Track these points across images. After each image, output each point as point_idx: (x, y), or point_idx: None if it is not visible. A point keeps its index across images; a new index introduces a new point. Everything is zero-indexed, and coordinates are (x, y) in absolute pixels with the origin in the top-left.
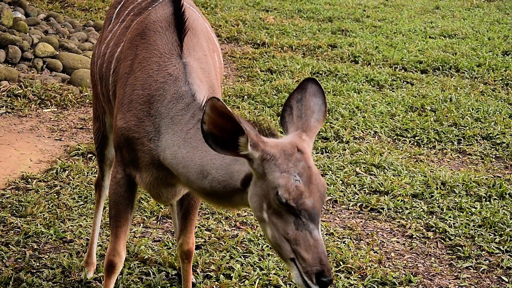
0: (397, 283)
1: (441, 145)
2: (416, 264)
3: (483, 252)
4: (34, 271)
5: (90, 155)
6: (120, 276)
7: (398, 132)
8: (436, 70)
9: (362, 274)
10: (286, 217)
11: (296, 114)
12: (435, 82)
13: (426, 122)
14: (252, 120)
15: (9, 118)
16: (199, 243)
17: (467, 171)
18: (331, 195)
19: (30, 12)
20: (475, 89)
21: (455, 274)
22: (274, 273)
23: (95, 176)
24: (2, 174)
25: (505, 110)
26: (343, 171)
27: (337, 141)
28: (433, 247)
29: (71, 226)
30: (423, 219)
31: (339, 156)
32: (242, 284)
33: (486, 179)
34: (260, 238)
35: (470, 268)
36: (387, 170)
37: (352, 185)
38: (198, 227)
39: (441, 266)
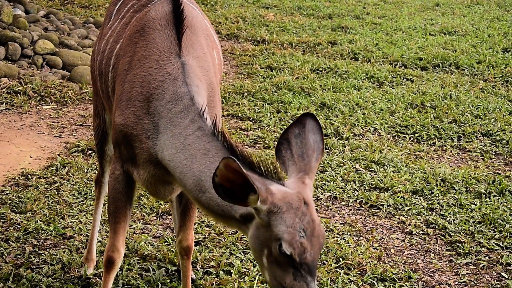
0: (396, 279)
1: (441, 142)
2: (416, 261)
3: (483, 249)
4: (34, 267)
5: (90, 151)
6: (120, 272)
7: (398, 129)
8: (436, 67)
9: (361, 270)
10: (285, 267)
11: (296, 152)
12: (435, 79)
13: (426, 119)
14: (259, 161)
15: (9, 114)
16: (199, 239)
17: (467, 168)
18: (331, 191)
19: (30, 9)
20: (475, 86)
21: (455, 270)
22: None
23: (95, 173)
24: (2, 171)
25: (505, 107)
26: (343, 167)
27: (337, 138)
28: (433, 243)
29: (71, 222)
30: (423, 215)
31: (339, 153)
32: (242, 280)
33: (486, 175)
34: None
35: (470, 264)
36: (387, 167)
37: (352, 182)
38: (198, 223)
39: (440, 262)
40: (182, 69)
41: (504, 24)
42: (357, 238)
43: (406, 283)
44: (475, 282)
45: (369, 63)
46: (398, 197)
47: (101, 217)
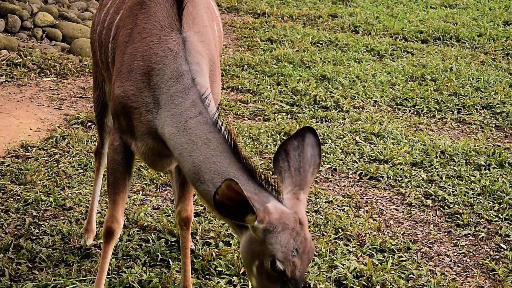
0: (395, 250)
1: (441, 114)
2: (415, 232)
3: (482, 220)
4: (34, 237)
5: (90, 123)
6: (120, 242)
7: (398, 102)
8: (437, 40)
9: (361, 241)
10: (274, 280)
11: (294, 166)
12: (436, 52)
13: (426, 92)
14: (260, 174)
15: (8, 87)
16: (198, 210)
17: (466, 140)
18: (331, 163)
19: None
20: (476, 59)
21: (454, 241)
22: None
23: (94, 145)
24: (2, 142)
25: (505, 80)
26: (342, 139)
27: (337, 110)
28: (432, 215)
29: (70, 193)
30: (422, 187)
31: (339, 125)
32: None
33: (486, 148)
34: None
35: (469, 235)
36: (387, 139)
37: (352, 154)
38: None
39: (440, 233)
40: (183, 45)
41: None
42: (356, 209)
43: (405, 254)
44: (474, 253)
45: (369, 36)
46: (397, 169)
47: (101, 188)
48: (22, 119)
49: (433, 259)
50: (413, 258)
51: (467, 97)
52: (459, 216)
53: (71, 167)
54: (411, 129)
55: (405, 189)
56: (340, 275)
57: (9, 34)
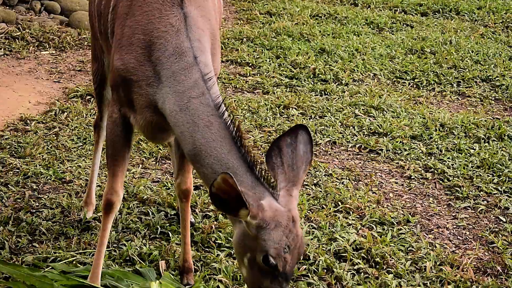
0: (395, 223)
1: (441, 87)
2: (415, 205)
3: (481, 193)
4: (34, 211)
5: (89, 97)
6: (119, 215)
7: (398, 75)
8: (436, 13)
9: (360, 214)
10: (265, 272)
11: (287, 162)
12: (435, 24)
13: (426, 65)
14: (259, 166)
15: (7, 60)
16: (198, 183)
17: (466, 113)
18: (330, 136)
19: None
20: (475, 31)
21: (453, 214)
22: None
23: (93, 118)
24: (1, 116)
25: (505, 53)
26: (342, 113)
27: (336, 83)
28: (432, 187)
29: (70, 167)
30: (422, 160)
31: (338, 98)
32: None
33: (485, 121)
34: None
35: (468, 208)
36: (386, 112)
37: (351, 127)
38: None
39: (439, 206)
40: (184, 21)
41: None
42: (356, 182)
43: (404, 226)
44: (473, 225)
45: (368, 8)
46: (397, 142)
47: (100, 161)
48: (21, 93)
49: (432, 231)
50: (413, 230)
51: (467, 70)
52: (458, 189)
53: (71, 140)
54: (411, 102)
55: (404, 162)
56: (340, 248)
57: (7, 7)
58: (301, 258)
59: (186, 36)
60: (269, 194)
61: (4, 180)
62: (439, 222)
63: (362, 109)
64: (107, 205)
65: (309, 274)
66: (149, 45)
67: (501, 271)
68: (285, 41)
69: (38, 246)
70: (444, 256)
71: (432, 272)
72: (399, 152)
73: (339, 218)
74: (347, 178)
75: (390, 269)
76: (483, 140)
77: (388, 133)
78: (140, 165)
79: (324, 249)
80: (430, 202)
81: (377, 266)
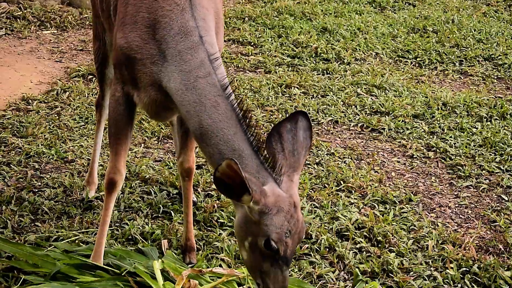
0: (397, 202)
1: (443, 66)
2: (417, 184)
3: (484, 172)
4: (36, 190)
5: (91, 76)
6: (122, 195)
7: (400, 54)
8: None
9: (362, 193)
10: (265, 256)
11: (287, 148)
12: (437, 3)
13: (428, 44)
14: (264, 151)
15: (8, 39)
16: (200, 162)
17: (468, 92)
18: (332, 115)
19: None
20: (478, 10)
21: (455, 193)
22: None
23: (95, 97)
24: (3, 95)
25: (508, 31)
26: (344, 92)
27: (339, 63)
28: (434, 166)
29: (72, 146)
30: (424, 139)
31: (340, 77)
32: None
33: (488, 99)
34: None
35: (470, 187)
36: (388, 91)
37: (353, 106)
38: None
39: (441, 185)
40: (189, 0)
41: None
42: (358, 161)
43: (406, 205)
44: (476, 204)
45: None
46: (399, 121)
47: (102, 140)
48: (23, 72)
49: (434, 210)
50: (415, 209)
51: (469, 49)
52: (460, 167)
53: (72, 120)
54: (413, 81)
55: (406, 141)
56: (342, 227)
57: None
58: (301, 242)
59: (191, 15)
60: (272, 179)
61: (6, 160)
62: (441, 201)
63: (364, 88)
64: (109, 184)
65: (311, 253)
66: (154, 24)
67: (503, 249)
68: (287, 20)
69: (40, 225)
70: (446, 235)
71: (434, 250)
72: (401, 131)
73: (341, 197)
74: (349, 157)
75: (392, 248)
76: (485, 119)
77: (390, 112)
78: (142, 145)
79: (326, 228)
80: (432, 181)
81: (379, 245)
